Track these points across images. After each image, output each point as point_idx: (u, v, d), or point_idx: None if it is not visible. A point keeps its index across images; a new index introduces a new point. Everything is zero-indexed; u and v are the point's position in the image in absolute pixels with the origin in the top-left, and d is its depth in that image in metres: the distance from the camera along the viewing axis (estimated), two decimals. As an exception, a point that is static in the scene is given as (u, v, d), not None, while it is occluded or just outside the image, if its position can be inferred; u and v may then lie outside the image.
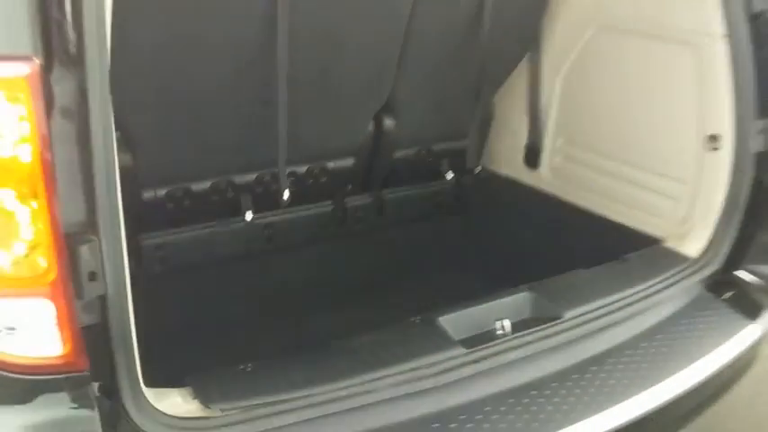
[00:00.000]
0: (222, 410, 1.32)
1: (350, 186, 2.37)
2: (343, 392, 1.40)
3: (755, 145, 1.89)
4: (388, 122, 2.24)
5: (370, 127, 2.25)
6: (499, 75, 2.38)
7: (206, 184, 2.06)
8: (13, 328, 1.08)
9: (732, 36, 1.84)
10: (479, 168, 2.57)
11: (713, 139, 1.94)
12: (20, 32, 0.99)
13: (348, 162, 2.27)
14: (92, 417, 1.12)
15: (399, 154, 2.35)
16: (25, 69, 0.98)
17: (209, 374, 1.39)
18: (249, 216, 2.11)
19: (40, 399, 1.12)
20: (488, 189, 2.55)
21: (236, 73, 1.86)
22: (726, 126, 1.91)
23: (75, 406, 1.13)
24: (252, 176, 2.12)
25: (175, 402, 1.31)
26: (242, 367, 1.44)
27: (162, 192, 1.97)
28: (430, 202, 2.50)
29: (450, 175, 2.49)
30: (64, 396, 1.12)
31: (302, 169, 2.19)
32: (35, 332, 1.08)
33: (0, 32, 0.98)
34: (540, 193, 2.40)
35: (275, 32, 1.79)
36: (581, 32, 2.24)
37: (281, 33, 1.79)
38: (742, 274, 2.00)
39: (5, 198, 1.02)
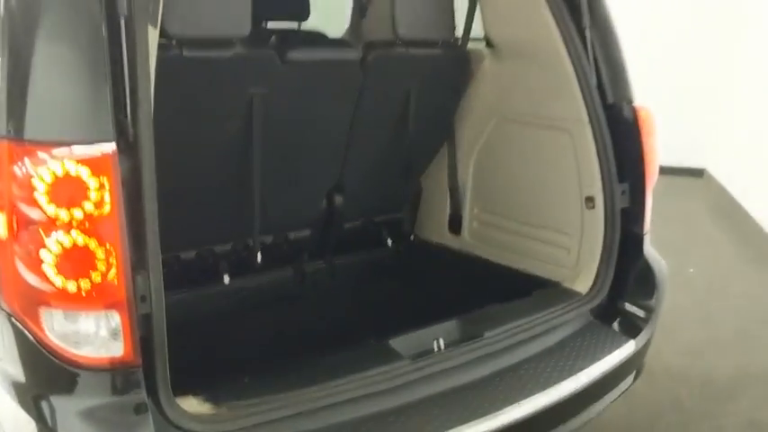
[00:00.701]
0: (228, 409, 1.66)
1: (306, 255, 2.78)
2: (318, 394, 1.75)
3: (620, 203, 2.31)
4: (338, 199, 2.67)
5: (324, 203, 2.67)
6: (424, 159, 2.87)
7: (192, 253, 2.47)
8: (89, 334, 1.46)
9: (594, 122, 2.29)
10: (413, 236, 3.02)
11: (589, 200, 2.36)
12: (104, 127, 1.42)
13: (306, 233, 2.69)
14: (143, 398, 1.49)
15: (348, 225, 2.78)
16: (109, 150, 1.41)
17: (217, 385, 1.74)
18: (227, 279, 2.51)
19: (107, 386, 1.47)
20: (421, 253, 2.98)
21: (218, 164, 2.29)
22: (597, 189, 2.32)
23: (132, 392, 1.49)
24: (228, 246, 2.53)
25: (192, 404, 1.65)
26: (239, 381, 1.81)
27: None
28: (374, 266, 2.91)
29: (389, 243, 2.94)
30: (125, 384, 1.48)
31: (269, 239, 2.60)
32: (106, 336, 1.45)
33: (93, 127, 1.41)
34: (462, 254, 2.84)
35: (251, 133, 2.24)
36: (486, 124, 2.72)
37: (255, 133, 2.24)
38: (625, 305, 2.38)
39: (90, 242, 1.42)
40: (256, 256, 2.44)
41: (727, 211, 5.92)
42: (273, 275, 2.69)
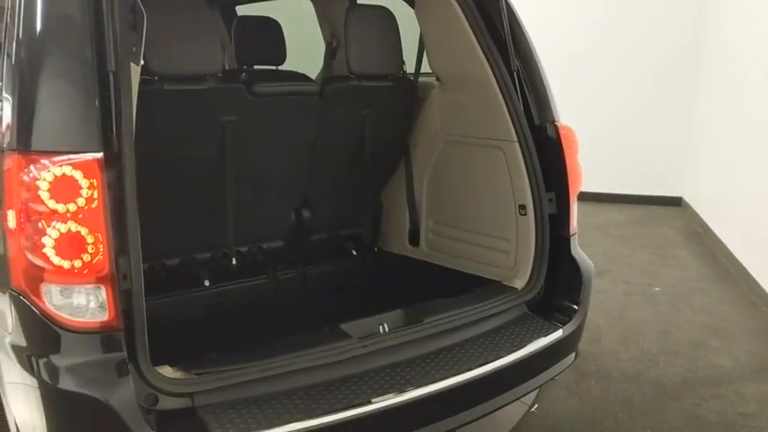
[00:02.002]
0: (197, 374, 1.98)
1: (280, 265, 3.10)
2: (277, 364, 2.05)
3: (548, 209, 2.62)
4: (305, 214, 3.01)
5: (293, 217, 3.00)
6: (382, 178, 3.21)
7: (176, 260, 2.80)
8: (81, 304, 1.79)
9: (522, 141, 2.61)
10: (376, 248, 3.32)
11: (522, 207, 2.66)
12: (94, 140, 1.78)
13: (278, 243, 3.02)
14: (124, 357, 1.81)
15: (315, 237, 3.10)
16: (98, 157, 1.77)
17: (188, 359, 2.05)
18: (207, 283, 2.84)
19: (95, 345, 1.80)
20: (384, 263, 3.29)
21: (196, 181, 2.63)
22: (528, 198, 2.63)
23: (114, 349, 1.81)
24: (208, 254, 2.86)
25: (168, 371, 1.96)
26: (209, 355, 2.12)
27: (145, 266, 2.70)
28: (341, 275, 3.22)
29: (354, 254, 3.25)
30: (109, 343, 1.81)
31: (244, 249, 2.94)
32: (95, 305, 1.79)
33: (85, 140, 1.77)
34: (420, 262, 3.15)
35: (224, 155, 2.57)
36: (435, 145, 3.05)
37: (227, 155, 2.58)
38: (556, 299, 2.65)
39: (81, 230, 1.77)
40: (230, 263, 2.76)
41: (700, 236, 6.22)
42: (249, 283, 3.01)
